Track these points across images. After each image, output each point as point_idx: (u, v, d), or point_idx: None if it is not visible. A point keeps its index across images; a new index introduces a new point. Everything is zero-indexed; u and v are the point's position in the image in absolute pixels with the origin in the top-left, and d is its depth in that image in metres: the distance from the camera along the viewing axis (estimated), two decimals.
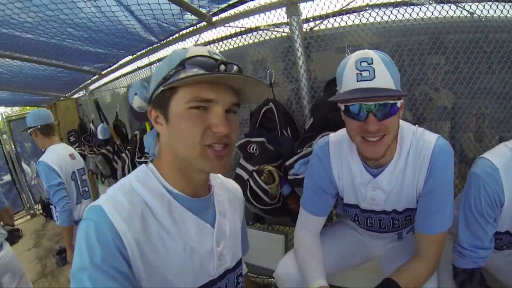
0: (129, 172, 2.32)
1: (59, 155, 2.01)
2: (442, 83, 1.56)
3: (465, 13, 1.52)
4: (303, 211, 1.18)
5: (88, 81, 3.54)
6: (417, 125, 1.04)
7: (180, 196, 0.70)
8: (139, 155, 2.23)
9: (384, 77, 0.85)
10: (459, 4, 1.49)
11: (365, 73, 0.85)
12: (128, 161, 2.36)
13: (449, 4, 1.48)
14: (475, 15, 1.51)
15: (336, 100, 0.91)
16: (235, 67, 0.68)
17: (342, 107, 0.92)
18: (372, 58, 0.85)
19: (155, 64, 2.51)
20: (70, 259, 2.01)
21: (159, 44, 2.32)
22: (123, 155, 2.43)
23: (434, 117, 1.58)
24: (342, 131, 1.09)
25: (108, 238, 0.58)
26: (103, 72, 3.11)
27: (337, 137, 1.09)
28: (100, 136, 2.88)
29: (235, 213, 0.86)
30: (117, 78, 3.08)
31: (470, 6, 1.50)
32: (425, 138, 0.97)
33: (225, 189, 0.85)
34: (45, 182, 1.90)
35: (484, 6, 1.48)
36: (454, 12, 1.50)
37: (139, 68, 2.67)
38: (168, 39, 2.25)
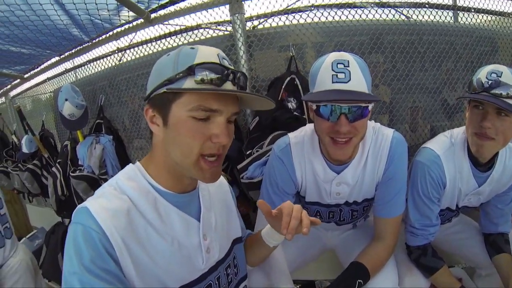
0: (61, 188, 2.06)
1: None
2: (381, 80, 1.66)
3: (402, 17, 1.66)
4: (262, 214, 1.14)
5: (9, 87, 3.08)
6: (373, 120, 1.08)
7: (165, 192, 0.70)
8: (72, 169, 1.97)
9: (359, 80, 0.85)
10: (397, 9, 1.62)
11: (341, 75, 0.84)
12: (60, 176, 2.07)
13: (389, 8, 1.61)
14: (411, 19, 1.65)
15: (309, 100, 0.90)
16: (241, 76, 0.66)
17: (314, 107, 0.91)
18: (348, 61, 0.86)
19: (82, 68, 2.25)
20: None
21: (90, 43, 2.09)
22: (54, 169, 2.13)
23: (374, 111, 1.68)
24: (301, 131, 1.10)
25: (95, 239, 0.58)
26: (26, 76, 2.73)
27: (297, 138, 1.09)
28: (25, 150, 2.50)
29: (222, 205, 0.87)
30: (42, 83, 2.71)
31: (408, 11, 1.65)
32: (383, 132, 1.04)
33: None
34: None
35: (419, 12, 1.65)
36: (393, 15, 1.62)
37: (67, 71, 2.38)
38: (100, 38, 2.03)
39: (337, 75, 0.85)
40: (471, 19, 1.79)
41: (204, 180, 0.69)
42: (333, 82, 0.85)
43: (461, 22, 1.81)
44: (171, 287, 0.68)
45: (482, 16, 1.82)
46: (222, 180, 0.93)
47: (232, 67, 0.66)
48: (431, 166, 1.09)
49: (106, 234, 0.59)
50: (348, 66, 0.85)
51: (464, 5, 1.77)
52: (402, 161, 1.04)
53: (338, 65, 0.85)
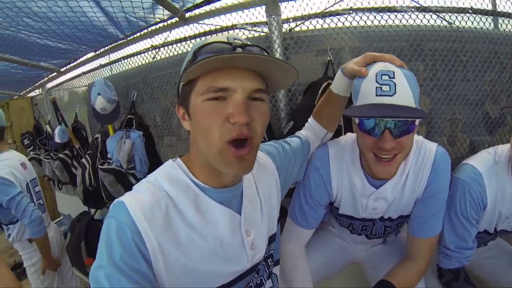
0: (89, 179, 2.12)
1: (11, 165, 1.71)
2: (420, 89, 1.57)
3: (444, 22, 1.57)
4: (292, 223, 1.13)
5: (45, 79, 3.21)
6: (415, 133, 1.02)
7: (207, 188, 0.66)
8: (101, 161, 2.02)
9: (405, 93, 0.78)
10: (439, 14, 1.54)
11: (385, 88, 0.78)
12: (89, 167, 2.14)
13: (430, 13, 1.52)
14: (453, 25, 1.57)
15: (351, 116, 0.84)
16: (254, 47, 0.62)
17: (357, 121, 0.87)
18: (394, 72, 0.79)
19: (117, 64, 2.31)
20: (47, 266, 1.79)
21: (125, 40, 2.13)
22: (83, 160, 2.20)
23: None
24: (341, 141, 1.06)
25: (128, 236, 0.56)
26: (62, 70, 2.83)
27: (337, 148, 1.04)
28: (57, 139, 2.61)
29: (270, 187, 0.83)
30: (77, 76, 2.81)
31: (450, 16, 1.55)
32: (426, 146, 0.97)
33: (256, 166, 0.73)
34: (3, 196, 1.56)
35: (462, 17, 1.56)
36: (435, 21, 1.54)
37: (101, 66, 2.45)
38: (135, 36, 2.07)
39: (381, 88, 0.78)
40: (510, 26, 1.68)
41: (231, 172, 0.62)
42: (377, 95, 0.79)
43: (501, 28, 1.70)
44: (211, 287, 0.65)
45: None
46: (265, 160, 0.86)
47: (246, 43, 0.61)
48: (472, 184, 1.00)
49: (140, 232, 0.56)
50: (394, 78, 0.78)
51: (504, 11, 1.65)
52: (445, 178, 0.97)
53: (382, 76, 0.79)
